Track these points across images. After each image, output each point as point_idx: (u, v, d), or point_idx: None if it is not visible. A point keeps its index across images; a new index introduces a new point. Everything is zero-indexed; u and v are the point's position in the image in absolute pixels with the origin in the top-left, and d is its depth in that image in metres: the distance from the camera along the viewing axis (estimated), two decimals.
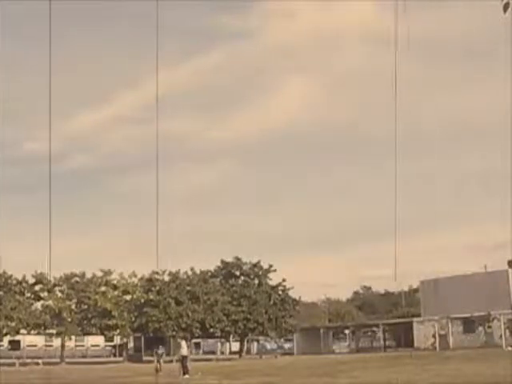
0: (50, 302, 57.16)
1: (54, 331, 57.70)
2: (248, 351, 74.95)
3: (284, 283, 63.17)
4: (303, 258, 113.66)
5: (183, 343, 35.34)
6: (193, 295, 58.90)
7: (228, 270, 63.33)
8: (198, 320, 58.11)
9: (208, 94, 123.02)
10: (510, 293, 59.79)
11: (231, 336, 66.21)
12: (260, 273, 63.03)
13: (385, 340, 67.56)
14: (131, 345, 66.71)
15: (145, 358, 57.19)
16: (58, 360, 56.83)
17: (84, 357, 68.30)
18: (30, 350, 64.44)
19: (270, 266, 62.64)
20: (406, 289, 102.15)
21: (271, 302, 61.77)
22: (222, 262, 63.20)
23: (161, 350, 38.92)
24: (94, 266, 61.59)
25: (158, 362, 37.08)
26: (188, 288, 59.33)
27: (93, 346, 73.75)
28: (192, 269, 61.25)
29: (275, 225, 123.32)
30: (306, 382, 27.21)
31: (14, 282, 57.24)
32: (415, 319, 63.49)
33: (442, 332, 57.61)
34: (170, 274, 59.84)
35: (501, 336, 53.49)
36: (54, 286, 58.30)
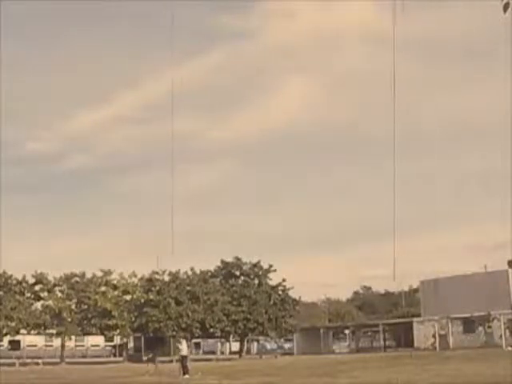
0: (50, 302, 57.14)
1: (54, 331, 57.68)
2: (248, 351, 74.98)
3: (284, 283, 63.20)
4: (303, 258, 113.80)
5: (183, 343, 35.33)
6: (193, 295, 58.89)
7: (228, 270, 63.32)
8: (198, 320, 58.11)
9: (208, 94, 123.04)
10: (510, 293, 59.79)
11: (231, 336, 66.21)
12: (260, 273, 63.01)
13: (385, 340, 67.55)
14: (131, 345, 66.69)
15: (145, 358, 57.17)
16: (58, 360, 56.80)
17: (84, 357, 68.34)
18: (30, 350, 64.47)
19: (270, 266, 62.67)
20: (406, 289, 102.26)
21: (271, 302, 61.75)
22: (222, 262, 63.20)
23: (154, 354, 38.97)
24: (94, 266, 61.67)
25: (153, 363, 36.98)
26: (188, 288, 59.32)
27: (93, 345, 73.79)
28: (192, 269, 61.29)
29: (275, 225, 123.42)
30: (306, 382, 27.19)
31: (14, 282, 57.23)
32: (415, 319, 63.48)
33: (442, 332, 57.60)
34: (170, 274, 59.84)
35: (501, 336, 53.46)
36: (54, 285, 58.29)
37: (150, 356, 38.29)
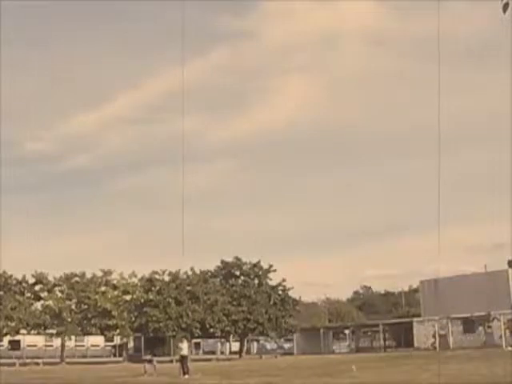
0: (50, 302, 57.07)
1: (54, 331, 57.62)
2: (248, 351, 74.93)
3: (284, 283, 63.20)
4: (303, 258, 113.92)
5: (184, 343, 35.29)
6: (193, 295, 58.86)
7: (228, 270, 63.31)
8: (198, 320, 58.08)
9: (208, 94, 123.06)
10: (510, 293, 59.83)
11: (231, 336, 66.18)
12: (260, 273, 63.00)
13: (385, 340, 67.56)
14: (131, 345, 66.68)
15: (145, 358, 57.11)
16: (58, 360, 56.80)
17: (84, 357, 68.31)
18: (30, 350, 64.43)
19: (270, 266, 62.65)
20: (406, 289, 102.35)
21: (271, 302, 61.73)
22: (222, 262, 63.17)
23: (150, 356, 38.87)
24: (94, 266, 61.69)
25: (151, 362, 36.77)
26: (188, 288, 59.29)
27: (93, 345, 73.76)
28: (192, 269, 61.25)
29: (275, 225, 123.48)
30: (306, 382, 27.20)
31: (14, 282, 57.20)
32: (415, 319, 63.48)
33: (442, 332, 57.62)
34: (170, 274, 59.82)
35: (501, 336, 53.50)
36: (54, 286, 58.24)
37: (148, 357, 38.16)
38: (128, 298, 58.84)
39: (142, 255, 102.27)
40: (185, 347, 34.35)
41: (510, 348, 47.68)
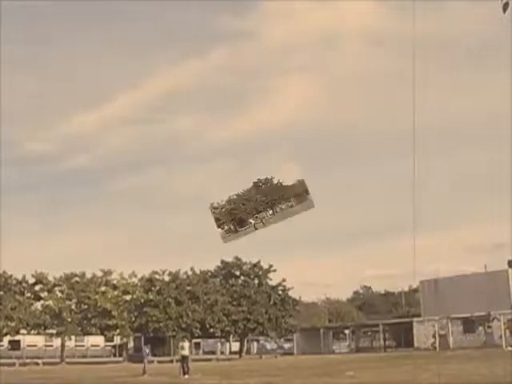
0: (50, 302, 57.07)
1: (54, 331, 57.62)
2: (248, 351, 74.92)
3: (284, 283, 63.23)
4: (303, 258, 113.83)
5: (185, 343, 35.24)
6: (193, 295, 58.88)
7: (228, 270, 63.32)
8: (198, 320, 58.10)
9: (208, 94, 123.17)
10: (510, 293, 59.81)
11: (231, 336, 66.18)
12: (260, 273, 63.01)
13: (385, 340, 67.53)
14: (131, 345, 66.66)
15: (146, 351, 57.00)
16: (58, 360, 56.79)
17: (84, 357, 68.27)
18: (30, 350, 64.39)
19: (270, 266, 62.68)
20: (406, 289, 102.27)
21: (271, 302, 61.75)
22: (222, 262, 63.18)
23: (147, 350, 38.79)
24: (94, 266, 61.67)
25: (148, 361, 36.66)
26: (188, 288, 59.31)
27: (93, 345, 73.70)
28: (192, 269, 61.29)
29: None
30: (306, 382, 27.20)
31: (14, 282, 57.20)
32: (415, 319, 63.46)
33: (442, 332, 57.58)
34: (170, 274, 59.83)
35: (501, 336, 53.48)
36: (54, 286, 58.24)
37: (147, 350, 38.12)
38: (128, 298, 58.83)
39: (142, 255, 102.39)
40: (186, 347, 34.34)
41: (510, 348, 47.66)
